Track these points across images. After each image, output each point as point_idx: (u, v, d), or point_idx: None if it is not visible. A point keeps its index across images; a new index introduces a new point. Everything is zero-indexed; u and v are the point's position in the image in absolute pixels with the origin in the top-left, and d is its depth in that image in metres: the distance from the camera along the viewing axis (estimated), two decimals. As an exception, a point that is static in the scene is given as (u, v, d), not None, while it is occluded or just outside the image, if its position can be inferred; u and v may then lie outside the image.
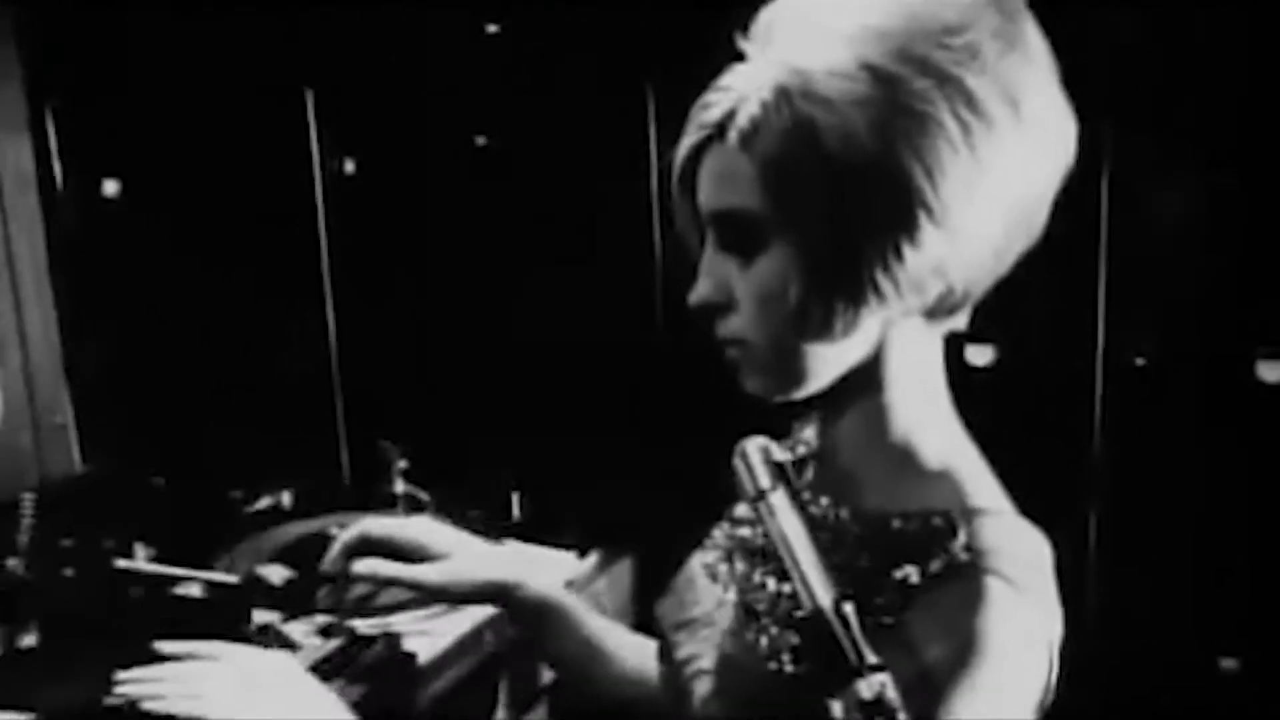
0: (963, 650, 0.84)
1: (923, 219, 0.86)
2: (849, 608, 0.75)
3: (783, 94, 0.87)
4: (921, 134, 0.85)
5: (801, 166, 0.87)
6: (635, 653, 1.25)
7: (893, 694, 0.72)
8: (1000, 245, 0.90)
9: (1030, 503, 0.97)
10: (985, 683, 0.83)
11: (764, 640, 0.97)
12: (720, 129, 0.91)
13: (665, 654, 1.11)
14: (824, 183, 0.86)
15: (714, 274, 0.94)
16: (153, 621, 1.27)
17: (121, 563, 1.26)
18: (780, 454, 0.84)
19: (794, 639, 0.95)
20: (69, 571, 1.25)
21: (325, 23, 2.21)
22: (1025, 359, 2.04)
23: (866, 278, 0.88)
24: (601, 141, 2.15)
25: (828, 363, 0.93)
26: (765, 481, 0.82)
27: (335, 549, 1.25)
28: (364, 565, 1.23)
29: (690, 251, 0.99)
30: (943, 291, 0.91)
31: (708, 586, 1.08)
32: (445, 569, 1.23)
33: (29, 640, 1.31)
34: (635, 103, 2.08)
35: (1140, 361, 2.03)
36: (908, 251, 0.87)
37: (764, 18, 0.92)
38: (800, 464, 1.01)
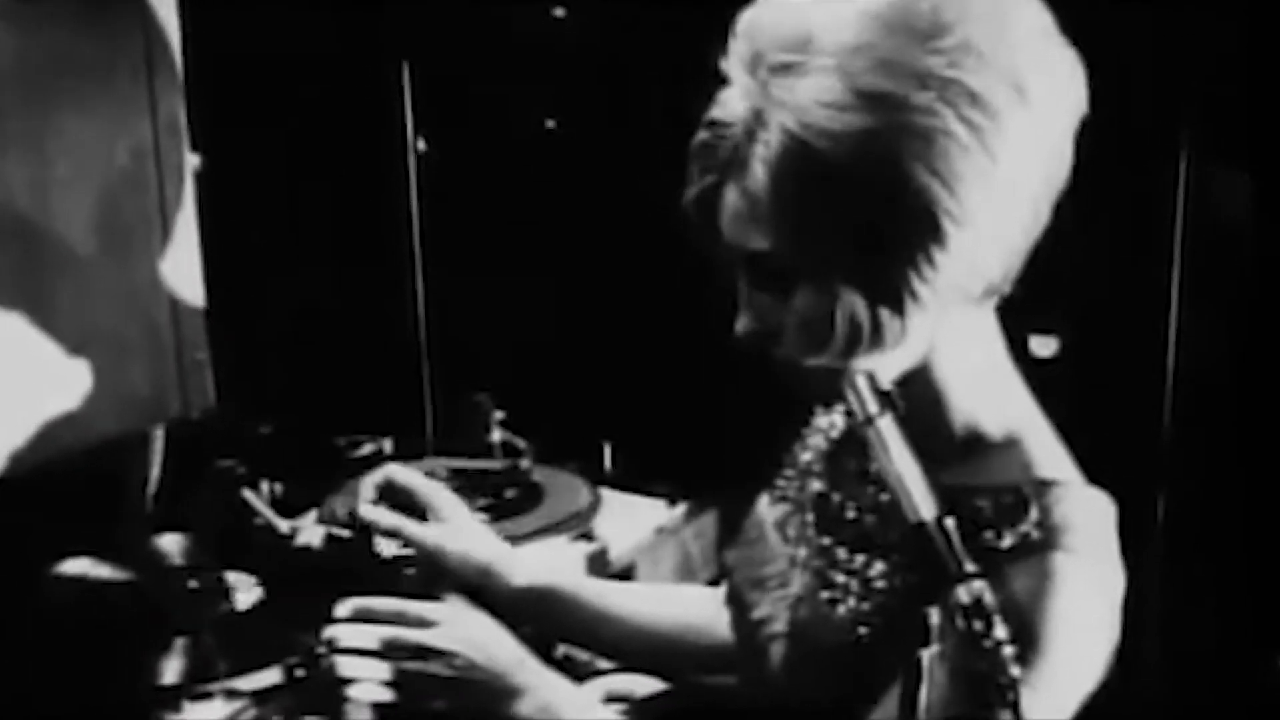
0: (1032, 628, 0.86)
1: (947, 226, 0.85)
2: (950, 522, 0.79)
3: (783, 132, 0.85)
4: (931, 147, 0.83)
5: (817, 204, 0.85)
6: (648, 603, 1.27)
7: (990, 599, 0.75)
8: (1028, 221, 0.90)
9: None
10: (1055, 657, 0.87)
11: (841, 610, 0.99)
12: (726, 170, 0.89)
13: (738, 605, 1.12)
14: (842, 215, 0.85)
15: (754, 307, 0.94)
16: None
17: (248, 494, 1.33)
18: (886, 383, 0.85)
19: (868, 608, 0.97)
20: (204, 493, 1.32)
21: (399, 6, 2.26)
22: (1092, 351, 2.06)
23: (905, 292, 0.88)
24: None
25: (887, 366, 0.92)
26: (873, 408, 0.84)
27: (363, 488, 1.25)
28: (369, 512, 1.23)
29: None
30: (983, 283, 0.90)
31: (779, 544, 1.09)
32: (443, 532, 1.23)
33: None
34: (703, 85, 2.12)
35: (1209, 351, 2.04)
36: (939, 258, 0.86)
37: (741, 41, 0.88)
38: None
